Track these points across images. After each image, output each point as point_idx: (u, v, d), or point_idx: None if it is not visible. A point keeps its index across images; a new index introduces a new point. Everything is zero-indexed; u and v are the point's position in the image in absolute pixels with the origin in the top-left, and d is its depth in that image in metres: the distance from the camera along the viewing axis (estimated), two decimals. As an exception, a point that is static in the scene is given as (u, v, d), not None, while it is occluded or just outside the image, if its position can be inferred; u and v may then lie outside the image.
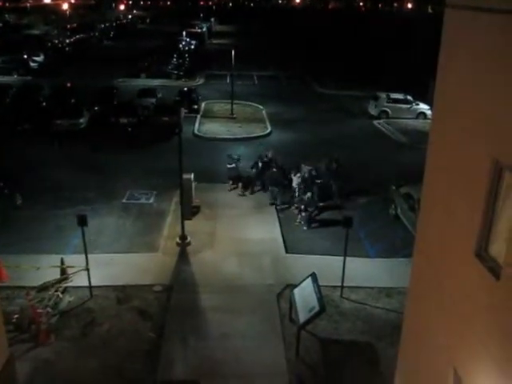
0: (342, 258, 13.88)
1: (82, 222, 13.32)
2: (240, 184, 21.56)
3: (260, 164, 21.52)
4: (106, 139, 27.08)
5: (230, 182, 21.68)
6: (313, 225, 18.54)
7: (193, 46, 64.57)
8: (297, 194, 20.00)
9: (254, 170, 21.84)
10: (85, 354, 11.90)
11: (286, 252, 16.42)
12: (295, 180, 20.17)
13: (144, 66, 47.68)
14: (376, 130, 31.95)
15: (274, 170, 20.80)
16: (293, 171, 20.57)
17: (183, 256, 16.03)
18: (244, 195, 21.02)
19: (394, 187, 19.73)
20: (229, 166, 21.78)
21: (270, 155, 22.14)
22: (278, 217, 19.02)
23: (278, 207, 19.83)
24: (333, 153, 22.76)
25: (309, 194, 19.28)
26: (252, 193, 21.21)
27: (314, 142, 27.89)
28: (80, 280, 14.26)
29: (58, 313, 13.16)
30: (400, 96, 34.76)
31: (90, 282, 13.93)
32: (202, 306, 13.71)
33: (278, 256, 16.16)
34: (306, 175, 20.64)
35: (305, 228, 18.36)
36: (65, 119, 28.50)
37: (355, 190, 21.56)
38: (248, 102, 37.34)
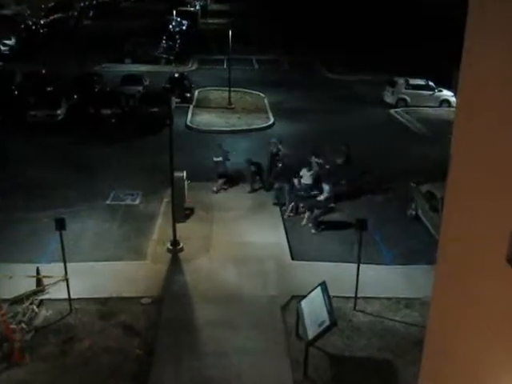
0: (355, 264, 13.77)
1: (61, 226, 13.18)
2: (220, 181, 21.06)
3: (253, 168, 20.82)
4: (86, 132, 26.85)
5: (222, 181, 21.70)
6: (321, 227, 18.40)
7: (184, 27, 64.06)
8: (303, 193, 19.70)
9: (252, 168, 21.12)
10: (64, 374, 11.74)
11: (292, 258, 16.34)
12: (306, 177, 19.69)
13: (129, 50, 47.17)
14: (393, 121, 31.73)
15: (280, 164, 20.48)
16: (305, 167, 20.01)
17: (175, 264, 15.95)
18: (216, 193, 20.60)
19: (413, 184, 19.54)
20: (215, 159, 21.22)
21: (274, 149, 21.72)
22: (283, 218, 18.91)
23: (284, 208, 19.41)
24: (341, 146, 22.32)
25: (326, 194, 18.84)
26: (252, 191, 20.88)
27: (322, 134, 27.57)
28: (58, 292, 14.06)
29: (33, 329, 12.98)
30: (420, 81, 34.22)
31: (69, 294, 13.72)
32: (196, 320, 13.57)
33: (282, 263, 16.06)
34: (317, 169, 20.27)
35: (313, 231, 18.28)
36: (40, 110, 28.26)
37: (369, 187, 21.43)
38: (248, 90, 37.12)
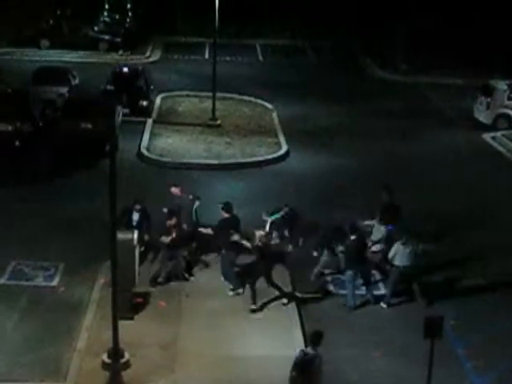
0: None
1: None
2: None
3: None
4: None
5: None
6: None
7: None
8: None
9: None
10: None
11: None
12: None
13: (47, 26, 46.97)
14: (487, 152, 29.94)
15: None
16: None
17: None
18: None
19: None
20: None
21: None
22: (298, 309, 18.01)
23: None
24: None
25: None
26: None
27: (367, 176, 26.07)
28: None
29: None
30: None
31: None
32: None
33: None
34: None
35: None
36: None
37: (445, 261, 20.62)
38: (245, 97, 36.32)
